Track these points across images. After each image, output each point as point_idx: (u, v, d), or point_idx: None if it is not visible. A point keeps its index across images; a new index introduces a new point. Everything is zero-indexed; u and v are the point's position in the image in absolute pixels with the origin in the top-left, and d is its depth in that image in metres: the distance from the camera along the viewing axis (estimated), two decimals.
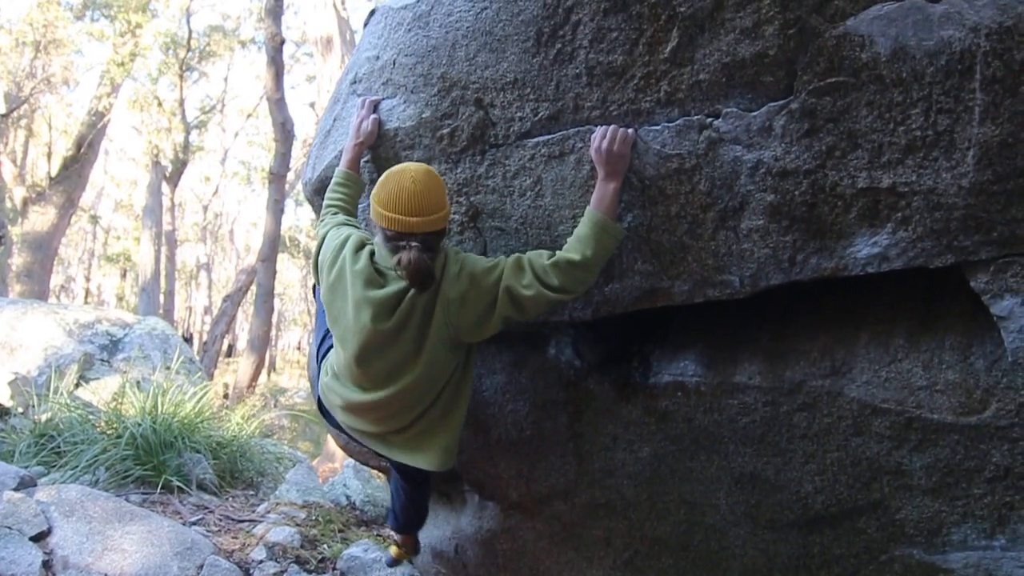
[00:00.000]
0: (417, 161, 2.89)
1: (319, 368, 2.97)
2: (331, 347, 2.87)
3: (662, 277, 2.49)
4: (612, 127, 2.40)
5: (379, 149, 3.00)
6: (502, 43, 2.58)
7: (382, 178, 2.54)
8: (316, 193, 3.47)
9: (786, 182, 2.21)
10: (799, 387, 2.40)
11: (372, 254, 2.59)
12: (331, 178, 2.99)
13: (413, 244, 2.45)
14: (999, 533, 2.20)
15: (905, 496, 2.31)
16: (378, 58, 3.00)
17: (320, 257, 2.75)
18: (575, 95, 2.49)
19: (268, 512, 4.76)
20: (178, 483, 4.84)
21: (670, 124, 2.36)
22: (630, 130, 2.40)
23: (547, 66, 2.51)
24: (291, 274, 40.29)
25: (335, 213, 2.91)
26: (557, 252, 2.47)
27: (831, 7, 2.06)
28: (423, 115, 2.83)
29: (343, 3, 13.94)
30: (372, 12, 3.19)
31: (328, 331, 2.85)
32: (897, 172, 2.05)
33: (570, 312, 2.72)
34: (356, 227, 2.82)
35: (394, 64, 2.91)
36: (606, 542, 2.92)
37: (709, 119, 2.28)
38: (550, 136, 2.58)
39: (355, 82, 3.14)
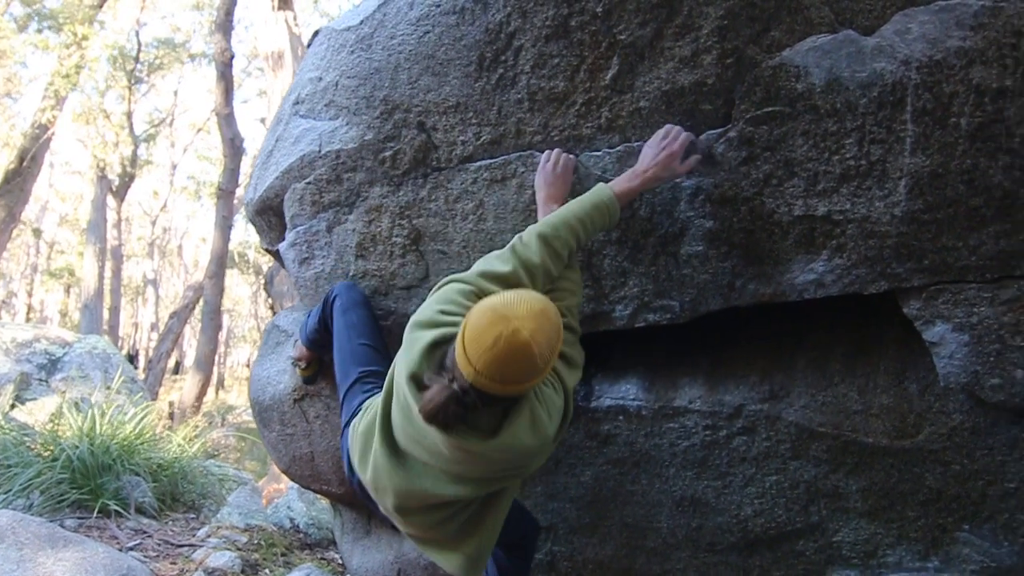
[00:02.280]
0: (360, 184, 2.87)
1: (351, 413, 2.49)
2: (370, 392, 2.49)
3: (603, 302, 2.50)
4: (556, 151, 2.40)
5: (320, 171, 2.97)
6: (444, 67, 2.58)
7: (485, 309, 1.85)
8: (258, 213, 3.43)
9: (725, 209, 2.24)
10: (738, 411, 2.42)
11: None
12: (272, 199, 2.93)
13: (463, 390, 1.87)
14: (933, 555, 2.24)
15: (842, 519, 2.34)
16: (321, 79, 2.98)
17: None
18: (517, 120, 2.50)
19: (209, 536, 4.67)
20: (116, 507, 4.72)
21: (611, 150, 2.37)
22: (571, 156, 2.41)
23: (489, 91, 2.52)
24: (241, 290, 39.77)
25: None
26: (560, 300, 2.20)
27: (767, 38, 2.09)
28: (365, 137, 2.81)
29: (295, 19, 13.84)
30: (316, 33, 3.17)
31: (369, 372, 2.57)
32: (832, 200, 2.08)
33: None
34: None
35: (337, 86, 2.90)
36: (549, 566, 2.90)
37: None
38: (492, 160, 2.58)
39: (298, 103, 3.11)
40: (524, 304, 1.84)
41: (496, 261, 2.17)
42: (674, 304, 2.41)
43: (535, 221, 2.46)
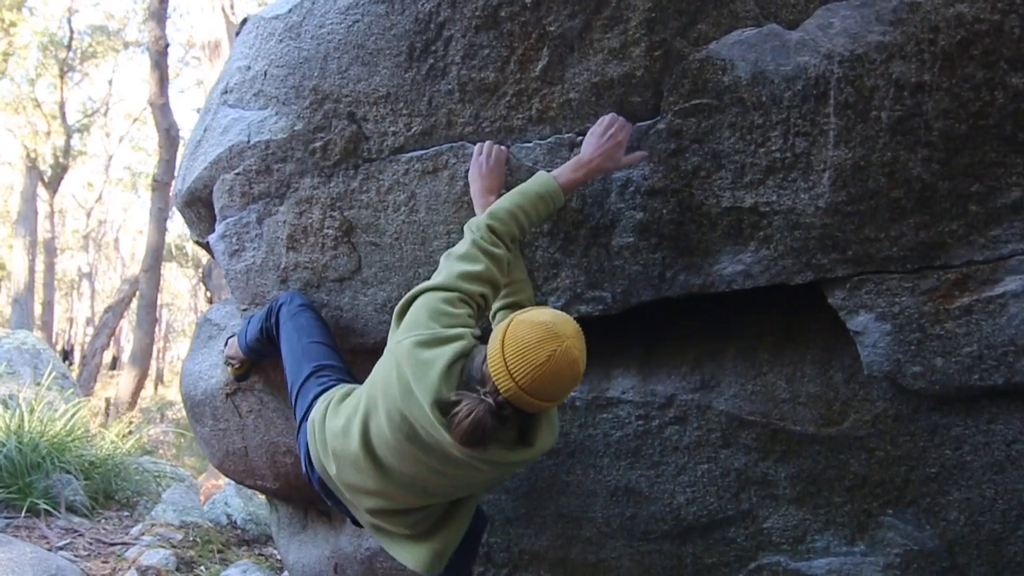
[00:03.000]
0: (290, 175, 2.83)
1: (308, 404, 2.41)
2: (325, 385, 2.43)
3: (536, 293, 2.50)
4: (488, 142, 2.39)
5: (249, 161, 2.92)
6: (374, 57, 2.55)
7: (533, 324, 1.84)
8: (187, 205, 3.36)
9: (654, 200, 2.25)
10: (670, 401, 2.44)
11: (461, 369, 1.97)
12: (201, 190, 2.87)
13: (499, 404, 1.84)
14: (859, 539, 2.29)
15: (771, 505, 2.38)
16: (249, 68, 2.92)
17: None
18: (448, 111, 2.48)
19: (142, 534, 4.59)
20: (45, 506, 4.62)
21: (542, 142, 2.37)
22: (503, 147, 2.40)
23: (420, 81, 2.49)
24: (180, 284, 39.08)
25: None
26: (521, 292, 2.30)
27: (695, 31, 2.10)
28: (295, 127, 2.76)
29: (232, 8, 13.61)
30: (244, 21, 3.10)
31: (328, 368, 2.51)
32: (759, 192, 2.11)
33: None
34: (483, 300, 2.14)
35: (265, 75, 2.84)
36: (486, 558, 2.90)
37: (579, 137, 2.29)
38: (423, 151, 2.56)
39: (226, 92, 3.05)
40: (569, 323, 1.87)
41: (464, 262, 2.10)
42: (606, 295, 2.42)
43: (468, 212, 2.46)
